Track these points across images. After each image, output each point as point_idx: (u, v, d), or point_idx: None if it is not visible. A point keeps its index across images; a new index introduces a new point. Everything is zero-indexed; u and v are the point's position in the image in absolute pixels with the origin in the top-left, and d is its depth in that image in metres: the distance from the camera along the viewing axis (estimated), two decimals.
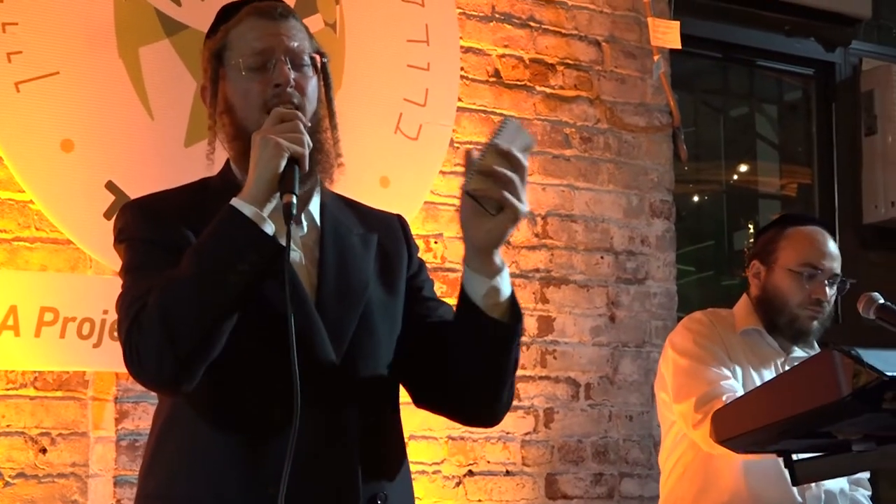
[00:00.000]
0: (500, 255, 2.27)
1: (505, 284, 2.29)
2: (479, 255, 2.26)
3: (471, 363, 2.33)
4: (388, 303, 2.45)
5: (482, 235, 2.23)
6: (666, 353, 3.57)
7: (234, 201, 2.21)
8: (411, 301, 2.49)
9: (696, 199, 5.89)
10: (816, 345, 3.63)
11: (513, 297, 2.31)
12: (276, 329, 2.22)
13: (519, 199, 2.18)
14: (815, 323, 3.54)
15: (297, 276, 2.32)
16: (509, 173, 2.17)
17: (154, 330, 2.17)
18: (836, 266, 3.55)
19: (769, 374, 3.51)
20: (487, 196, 2.18)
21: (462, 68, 4.39)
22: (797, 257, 3.53)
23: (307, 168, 2.26)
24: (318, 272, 2.37)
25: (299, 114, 2.29)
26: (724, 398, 3.27)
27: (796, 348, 3.59)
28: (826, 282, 3.51)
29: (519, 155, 2.19)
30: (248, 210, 2.20)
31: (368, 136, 4.00)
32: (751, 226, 5.96)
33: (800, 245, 3.55)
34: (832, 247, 3.56)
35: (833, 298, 3.56)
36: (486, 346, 2.31)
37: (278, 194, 2.22)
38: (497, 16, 4.57)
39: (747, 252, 3.75)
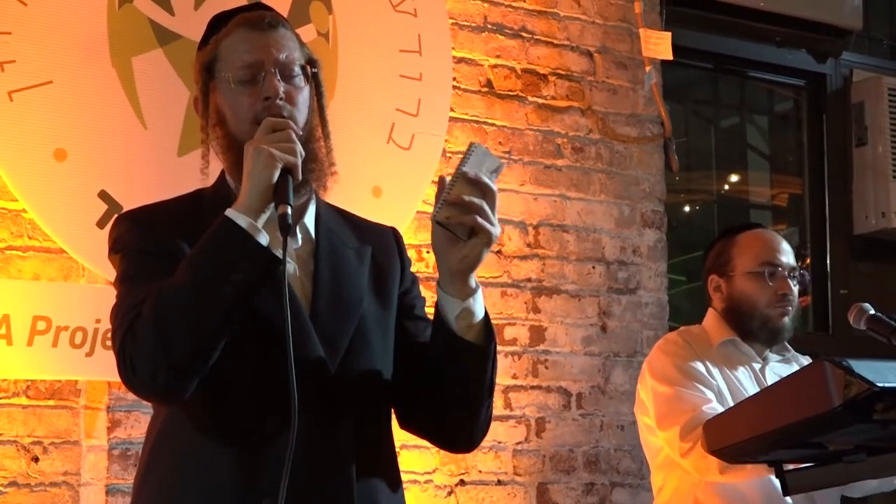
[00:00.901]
0: (474, 278, 2.30)
1: (478, 306, 2.32)
2: (454, 280, 2.29)
3: (446, 384, 2.36)
4: (381, 316, 2.46)
5: (457, 262, 2.27)
6: (644, 379, 3.54)
7: (229, 212, 2.22)
8: (402, 319, 2.50)
9: (686, 209, 5.90)
10: (788, 345, 3.64)
11: (486, 318, 2.33)
12: (271, 340, 2.24)
13: (491, 223, 2.22)
14: (786, 319, 3.55)
15: (292, 287, 2.33)
16: (477, 201, 2.21)
17: (149, 339, 2.18)
18: (793, 260, 3.59)
19: (750, 383, 3.51)
20: (458, 223, 2.22)
21: (454, 78, 4.40)
22: (754, 259, 3.55)
23: (300, 177, 2.27)
24: (312, 285, 2.38)
25: (291, 123, 2.30)
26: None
27: (771, 353, 3.60)
28: (787, 276, 3.54)
29: (487, 180, 2.22)
30: (242, 221, 2.20)
31: (361, 146, 4.00)
32: None
33: (753, 247, 3.58)
34: (784, 244, 3.60)
35: (797, 292, 3.58)
36: (459, 367, 2.34)
37: (273, 205, 2.23)
38: (489, 26, 4.58)
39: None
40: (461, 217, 2.21)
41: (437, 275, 4.19)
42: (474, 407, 2.40)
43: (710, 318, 3.64)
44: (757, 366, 3.57)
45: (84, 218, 3.53)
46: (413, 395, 2.44)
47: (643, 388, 3.54)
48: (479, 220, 2.21)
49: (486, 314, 2.33)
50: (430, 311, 3.84)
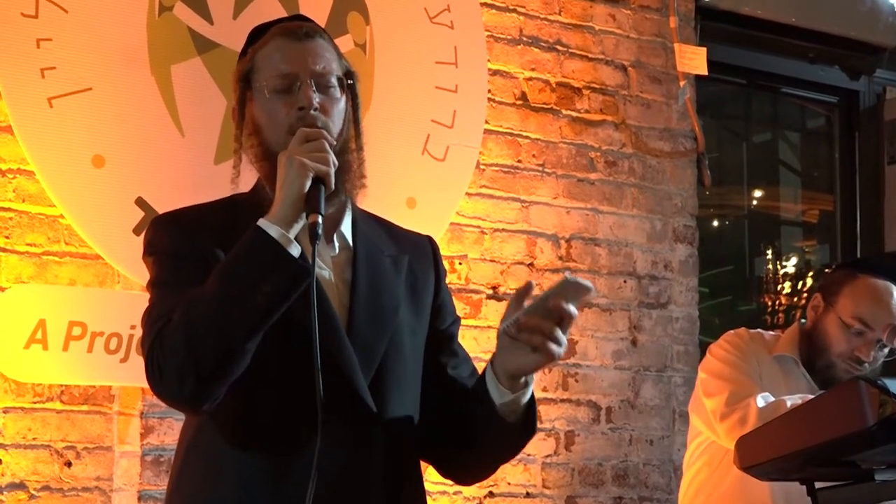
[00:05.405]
0: (532, 376, 2.31)
1: (526, 397, 2.32)
2: (509, 377, 2.29)
3: (474, 445, 2.38)
4: (415, 326, 2.46)
5: (514, 366, 2.27)
6: (704, 362, 3.56)
7: (261, 222, 2.22)
8: (435, 343, 2.50)
9: (716, 223, 5.89)
10: None
11: (531, 405, 2.33)
12: (303, 349, 2.23)
13: (558, 344, 2.21)
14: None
15: (326, 296, 2.33)
16: (549, 327, 2.20)
17: (177, 348, 2.18)
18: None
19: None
20: (526, 340, 2.22)
21: (489, 91, 4.41)
22: (853, 309, 3.44)
23: (333, 187, 2.27)
24: (350, 293, 2.38)
25: (325, 133, 2.29)
26: (758, 398, 3.28)
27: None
28: (874, 343, 3.43)
29: (569, 307, 2.20)
30: (273, 231, 2.20)
31: (396, 157, 4.02)
32: (769, 251, 5.97)
33: (860, 298, 3.45)
34: (893, 311, 3.44)
35: (877, 362, 3.48)
36: (494, 440, 2.36)
37: (305, 214, 2.23)
38: (525, 39, 4.59)
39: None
40: (530, 337, 2.21)
41: (468, 286, 4.24)
42: (492, 469, 2.48)
43: (790, 331, 3.60)
44: (809, 394, 3.52)
45: (120, 224, 3.55)
46: (432, 426, 2.45)
47: (702, 373, 3.54)
48: (547, 343, 2.20)
49: (532, 401, 2.34)
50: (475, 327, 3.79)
